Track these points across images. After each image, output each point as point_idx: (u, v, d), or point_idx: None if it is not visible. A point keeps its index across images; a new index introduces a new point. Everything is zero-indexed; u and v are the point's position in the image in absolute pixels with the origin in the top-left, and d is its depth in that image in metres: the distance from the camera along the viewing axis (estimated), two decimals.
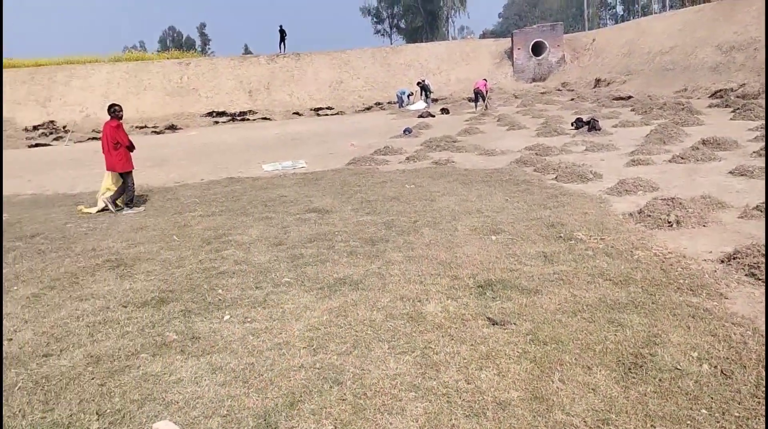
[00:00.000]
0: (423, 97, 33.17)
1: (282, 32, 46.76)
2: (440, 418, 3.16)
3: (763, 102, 17.33)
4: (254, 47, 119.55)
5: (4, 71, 40.98)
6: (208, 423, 3.26)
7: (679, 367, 3.48)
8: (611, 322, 4.15)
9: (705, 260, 5.37)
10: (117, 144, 9.86)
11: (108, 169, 10.08)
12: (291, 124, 29.98)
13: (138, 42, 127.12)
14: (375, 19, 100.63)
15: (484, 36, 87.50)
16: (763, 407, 3.03)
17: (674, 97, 24.21)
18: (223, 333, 4.45)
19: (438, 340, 4.06)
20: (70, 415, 3.41)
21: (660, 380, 3.36)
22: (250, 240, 7.24)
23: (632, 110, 20.63)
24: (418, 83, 34.12)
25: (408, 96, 34.35)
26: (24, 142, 31.02)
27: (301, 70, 43.85)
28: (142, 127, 33.72)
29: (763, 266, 4.83)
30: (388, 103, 38.27)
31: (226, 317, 4.77)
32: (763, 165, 8.95)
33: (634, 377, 3.42)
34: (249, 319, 4.69)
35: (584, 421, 3.05)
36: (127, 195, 10.02)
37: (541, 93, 34.56)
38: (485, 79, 29.66)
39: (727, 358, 3.54)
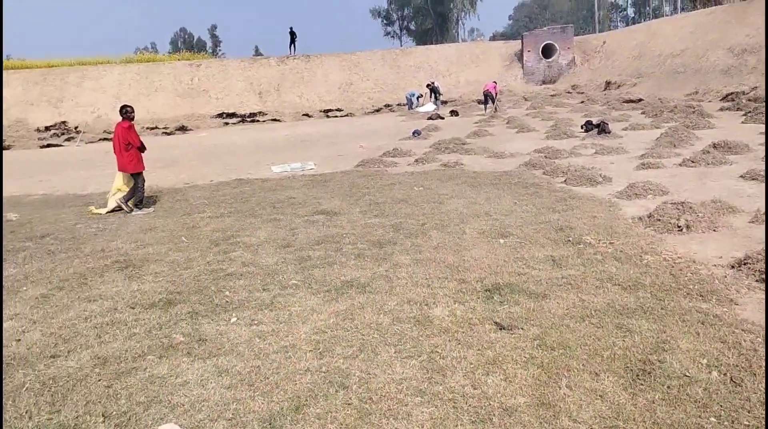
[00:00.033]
0: (432, 99, 33.15)
1: (292, 34, 46.88)
2: (446, 424, 3.14)
3: None
4: (265, 49, 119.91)
5: (18, 72, 41.39)
6: (213, 426, 3.26)
7: (688, 374, 3.45)
8: (619, 327, 4.12)
9: (715, 265, 5.32)
10: (128, 145, 9.91)
11: (119, 170, 10.15)
12: (300, 126, 30.05)
13: (150, 43, 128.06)
14: (385, 21, 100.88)
15: (494, 38, 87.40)
16: None
17: (685, 100, 24.07)
18: (229, 335, 4.45)
19: (445, 345, 4.04)
20: (76, 417, 3.41)
21: (668, 387, 3.33)
22: (258, 242, 7.25)
23: (642, 113, 20.52)
24: (428, 85, 34.11)
25: (417, 98, 34.36)
26: (36, 142, 31.28)
27: (311, 71, 43.96)
28: (152, 128, 33.90)
29: None
30: (398, 105, 38.30)
31: (233, 319, 4.77)
32: None
33: (642, 384, 3.39)
34: (256, 322, 4.69)
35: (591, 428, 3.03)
36: (136, 196, 10.06)
37: (551, 95, 34.46)
38: (495, 82, 29.64)
39: (737, 366, 3.49)
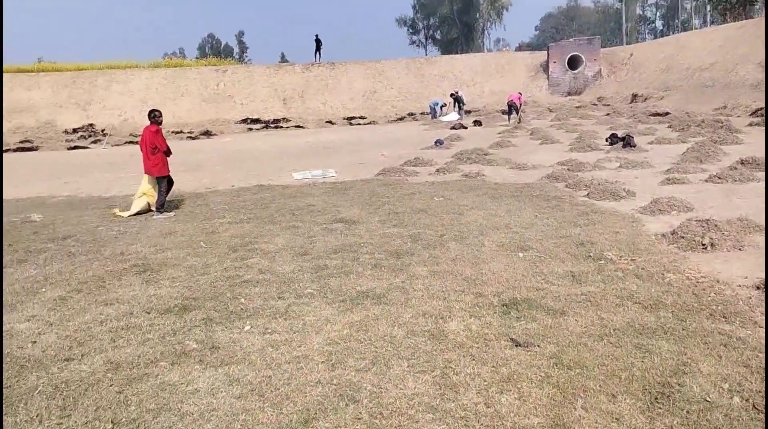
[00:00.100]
0: (456, 108, 33.11)
1: (318, 41, 47.19)
2: None
3: None
4: (290, 56, 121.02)
5: (49, 75, 42.22)
6: None
7: (708, 398, 3.34)
8: (639, 347, 4.02)
9: (740, 286, 5.17)
10: (155, 148, 10.03)
11: (145, 173, 10.28)
12: (323, 133, 30.17)
13: (178, 48, 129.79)
14: (410, 30, 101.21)
15: (519, 48, 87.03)
16: None
17: (713, 115, 23.68)
18: (242, 343, 4.43)
19: (459, 360, 3.97)
20: (86, 423, 3.41)
21: (688, 412, 3.23)
22: (276, 249, 7.24)
23: (669, 127, 20.25)
24: (452, 95, 34.09)
25: (441, 107, 34.35)
26: (63, 144, 31.87)
27: (336, 79, 44.17)
28: (177, 133, 34.29)
29: None
30: (421, 113, 38.27)
31: (247, 327, 4.75)
32: None
33: (660, 408, 3.29)
34: (269, 330, 4.67)
35: None
36: (158, 200, 10.15)
37: (576, 107, 34.19)
38: (520, 92, 29.51)
39: (760, 392, 3.38)
